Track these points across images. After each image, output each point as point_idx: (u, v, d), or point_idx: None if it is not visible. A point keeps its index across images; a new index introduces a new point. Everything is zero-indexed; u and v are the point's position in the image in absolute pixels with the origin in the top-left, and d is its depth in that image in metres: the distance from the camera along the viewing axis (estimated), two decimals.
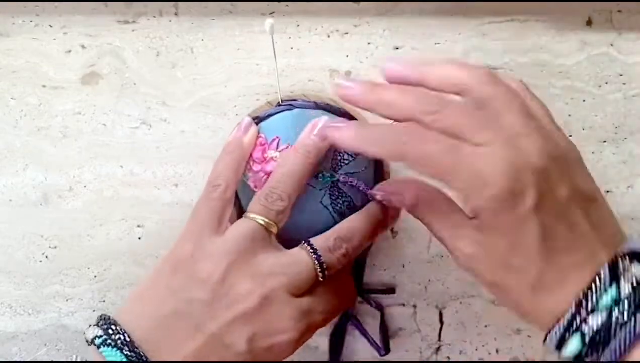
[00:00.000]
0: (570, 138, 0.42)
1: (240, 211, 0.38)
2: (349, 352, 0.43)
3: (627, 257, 0.29)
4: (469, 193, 0.29)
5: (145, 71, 0.42)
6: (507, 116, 0.30)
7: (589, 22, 0.42)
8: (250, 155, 0.37)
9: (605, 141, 0.42)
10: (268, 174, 0.36)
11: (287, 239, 0.36)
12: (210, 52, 0.42)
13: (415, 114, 0.30)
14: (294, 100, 0.38)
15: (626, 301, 0.27)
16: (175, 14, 0.42)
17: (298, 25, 0.42)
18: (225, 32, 0.42)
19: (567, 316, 0.28)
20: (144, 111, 0.42)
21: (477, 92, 0.30)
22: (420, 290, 0.43)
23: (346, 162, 0.37)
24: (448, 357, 0.43)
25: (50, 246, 0.42)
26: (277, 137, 0.36)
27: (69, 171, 0.42)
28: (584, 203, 0.30)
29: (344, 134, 0.32)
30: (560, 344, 0.29)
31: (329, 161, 0.36)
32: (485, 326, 0.43)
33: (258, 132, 0.37)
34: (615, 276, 0.28)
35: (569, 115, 0.42)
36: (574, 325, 0.28)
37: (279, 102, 0.38)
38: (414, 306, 0.43)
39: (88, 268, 0.42)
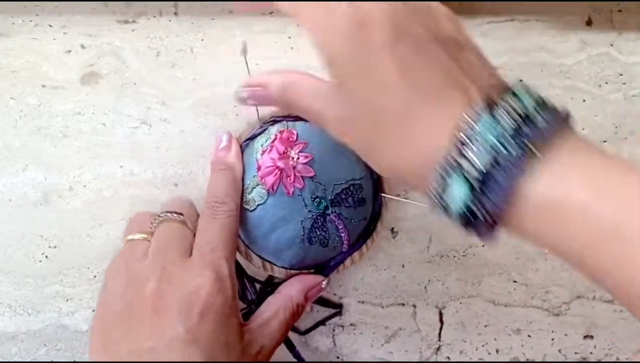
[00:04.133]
0: None
1: None
2: (349, 352, 0.43)
3: (505, 92, 0.26)
4: (320, 34, 0.27)
5: (145, 71, 0.42)
6: None
7: (589, 22, 0.42)
8: (275, 139, 0.37)
9: (605, 141, 0.42)
10: (276, 168, 0.36)
11: (253, 235, 0.37)
12: (210, 52, 0.42)
13: None
14: None
15: (507, 135, 0.25)
16: (175, 14, 0.42)
17: (298, 25, 0.42)
18: (225, 32, 0.42)
19: (445, 153, 0.25)
20: (144, 111, 0.42)
21: None
22: (420, 290, 0.43)
23: (347, 205, 0.37)
24: (448, 357, 0.43)
25: (50, 246, 0.42)
26: (306, 142, 0.36)
27: (69, 171, 0.42)
28: (448, 46, 0.27)
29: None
30: (444, 189, 0.26)
31: (330, 188, 0.37)
32: (485, 326, 0.43)
33: (290, 128, 0.37)
34: (492, 110, 0.25)
35: None
36: (455, 162, 0.25)
37: None
38: (414, 306, 0.43)
39: (88, 268, 0.42)
